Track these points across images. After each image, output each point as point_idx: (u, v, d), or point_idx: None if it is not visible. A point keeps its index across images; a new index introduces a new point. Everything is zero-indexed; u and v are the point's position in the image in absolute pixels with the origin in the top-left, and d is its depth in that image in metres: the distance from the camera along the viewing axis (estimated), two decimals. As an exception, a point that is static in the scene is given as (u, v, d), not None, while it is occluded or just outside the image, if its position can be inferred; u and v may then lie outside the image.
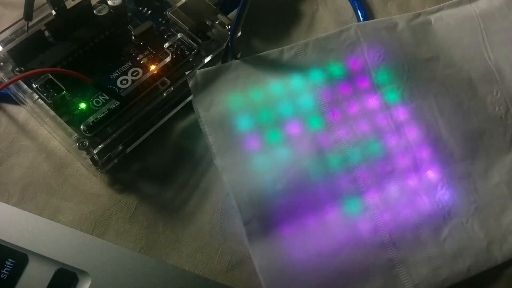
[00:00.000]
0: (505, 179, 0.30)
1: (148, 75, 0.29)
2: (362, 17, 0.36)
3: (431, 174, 0.29)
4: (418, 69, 0.32)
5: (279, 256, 0.27)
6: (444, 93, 0.31)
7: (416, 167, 0.29)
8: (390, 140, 0.30)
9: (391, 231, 0.28)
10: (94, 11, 0.31)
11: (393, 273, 0.27)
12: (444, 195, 0.29)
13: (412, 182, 0.29)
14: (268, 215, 0.27)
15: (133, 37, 0.31)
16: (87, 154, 0.27)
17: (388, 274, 0.27)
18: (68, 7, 0.29)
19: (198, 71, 0.30)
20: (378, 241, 0.27)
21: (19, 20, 0.30)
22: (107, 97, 0.29)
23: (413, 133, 0.30)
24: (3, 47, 0.29)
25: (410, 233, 0.28)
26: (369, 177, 0.29)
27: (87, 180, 0.30)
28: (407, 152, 0.30)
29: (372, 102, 0.31)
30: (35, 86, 0.29)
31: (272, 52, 0.31)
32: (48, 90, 0.29)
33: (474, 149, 0.30)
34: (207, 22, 0.32)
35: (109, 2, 0.32)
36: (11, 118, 0.31)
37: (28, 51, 0.29)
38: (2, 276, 0.25)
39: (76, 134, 0.27)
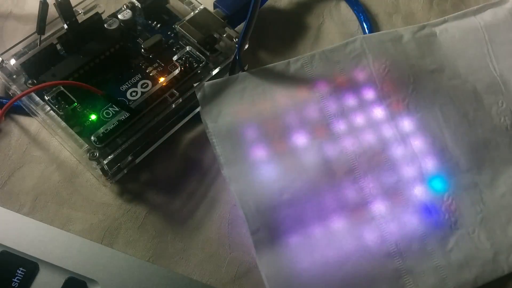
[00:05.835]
0: (511, 190, 0.30)
1: (157, 87, 0.30)
2: (367, 29, 0.36)
3: (437, 185, 0.30)
4: (424, 80, 0.32)
5: (286, 266, 0.27)
6: (449, 104, 0.32)
7: (422, 178, 0.30)
8: (396, 151, 0.30)
9: (397, 241, 0.28)
10: (105, 25, 0.32)
11: (400, 283, 0.27)
12: (450, 205, 0.29)
13: (418, 192, 0.29)
14: (275, 225, 0.28)
15: (142, 50, 0.32)
16: (97, 164, 0.28)
17: (394, 284, 0.27)
18: (80, 21, 0.30)
19: (206, 83, 0.30)
20: (385, 251, 0.28)
21: (31, 34, 0.31)
22: (117, 109, 0.29)
23: (418, 144, 0.30)
24: (16, 60, 0.30)
25: (416, 243, 0.28)
26: (375, 187, 0.29)
27: (97, 190, 0.30)
28: (413, 163, 0.30)
29: (378, 113, 0.31)
30: (47, 98, 0.29)
31: (279, 64, 0.32)
32: (60, 102, 0.29)
33: (480, 160, 0.31)
34: (215, 35, 0.32)
35: (119, 16, 0.32)
36: (23, 129, 0.32)
37: (40, 64, 0.30)
38: (13, 285, 0.25)
39: (87, 145, 0.28)
